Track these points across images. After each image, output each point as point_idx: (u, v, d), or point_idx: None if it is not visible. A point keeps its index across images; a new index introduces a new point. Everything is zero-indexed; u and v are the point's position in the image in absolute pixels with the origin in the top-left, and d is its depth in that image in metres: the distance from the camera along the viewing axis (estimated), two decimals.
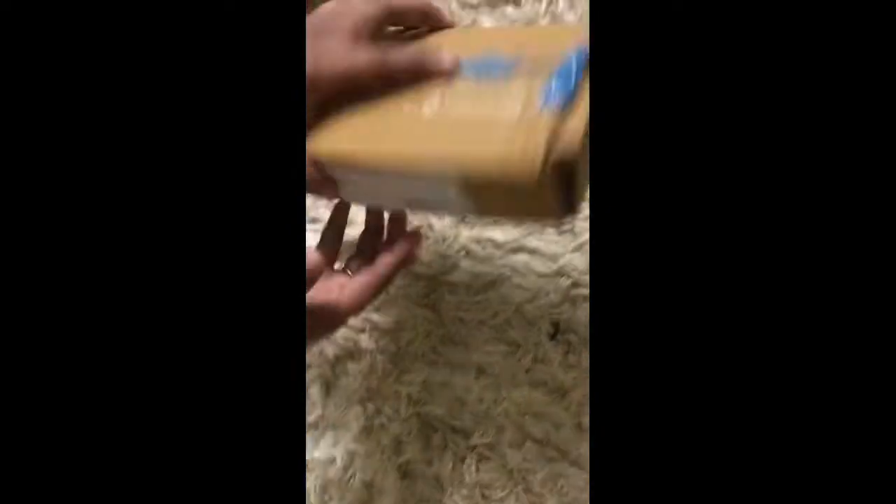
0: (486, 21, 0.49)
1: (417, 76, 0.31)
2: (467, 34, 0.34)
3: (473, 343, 0.52)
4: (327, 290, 0.38)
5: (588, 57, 0.26)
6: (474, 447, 0.52)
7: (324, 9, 0.34)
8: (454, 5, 0.51)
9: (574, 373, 0.49)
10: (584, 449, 0.48)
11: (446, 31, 0.34)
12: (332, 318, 0.38)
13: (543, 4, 0.47)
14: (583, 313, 0.48)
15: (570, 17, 0.47)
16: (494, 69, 0.29)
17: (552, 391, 0.50)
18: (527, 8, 0.48)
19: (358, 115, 0.31)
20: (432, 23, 0.36)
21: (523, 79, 0.27)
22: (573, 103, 0.25)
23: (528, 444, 0.50)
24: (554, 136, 0.25)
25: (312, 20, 0.33)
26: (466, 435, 0.53)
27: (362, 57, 0.31)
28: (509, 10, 0.49)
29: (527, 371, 0.51)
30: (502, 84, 0.28)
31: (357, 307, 0.38)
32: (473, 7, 0.51)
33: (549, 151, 0.24)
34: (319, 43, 0.31)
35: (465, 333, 0.53)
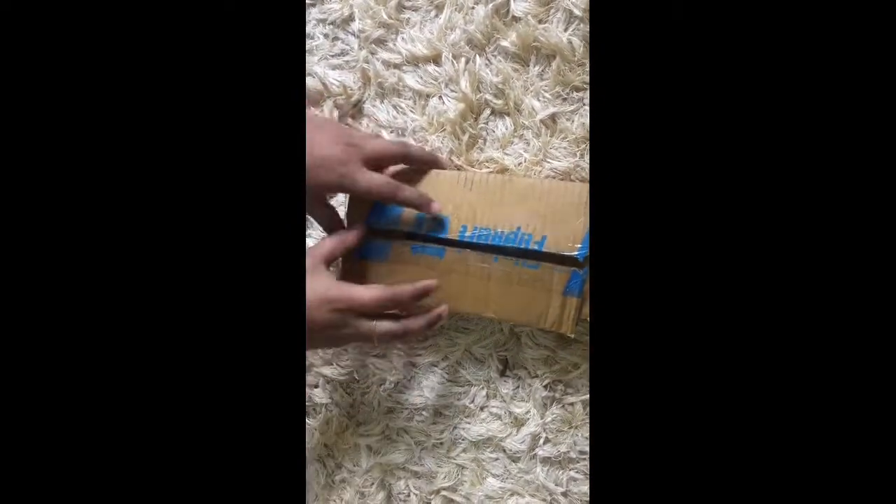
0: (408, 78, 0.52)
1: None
2: (496, 203, 0.46)
3: (428, 387, 0.53)
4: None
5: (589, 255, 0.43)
6: (438, 490, 0.53)
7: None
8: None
9: (526, 406, 0.51)
10: (541, 480, 0.50)
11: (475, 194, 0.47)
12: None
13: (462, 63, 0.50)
14: (528, 349, 0.50)
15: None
16: (527, 254, 0.45)
17: (507, 426, 0.51)
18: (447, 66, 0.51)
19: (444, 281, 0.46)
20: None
21: (549, 273, 0.44)
22: (583, 291, 0.44)
23: (490, 480, 0.52)
24: (577, 313, 0.44)
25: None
26: (429, 479, 0.53)
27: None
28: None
29: (481, 409, 0.52)
30: (536, 274, 0.45)
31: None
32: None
33: (575, 321, 0.44)
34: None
35: (419, 378, 0.54)
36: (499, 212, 0.46)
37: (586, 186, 0.45)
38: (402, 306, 0.44)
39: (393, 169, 0.47)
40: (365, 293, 0.41)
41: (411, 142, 0.50)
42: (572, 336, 0.44)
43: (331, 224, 0.48)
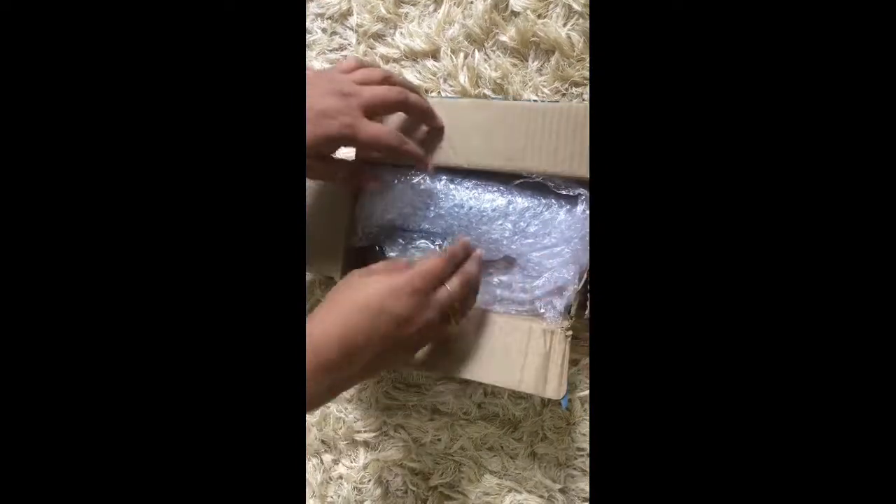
0: (408, 73, 0.52)
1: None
2: None
3: (425, 384, 0.53)
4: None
5: None
6: (435, 487, 0.53)
7: None
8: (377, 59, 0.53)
9: (524, 404, 0.50)
10: (539, 477, 0.50)
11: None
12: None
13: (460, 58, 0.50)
14: None
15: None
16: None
17: (504, 423, 0.51)
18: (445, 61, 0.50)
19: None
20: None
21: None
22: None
23: (487, 477, 0.52)
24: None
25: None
26: (426, 476, 0.53)
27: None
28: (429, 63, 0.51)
29: (478, 406, 0.52)
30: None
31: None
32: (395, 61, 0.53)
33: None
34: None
35: (416, 376, 0.54)
36: None
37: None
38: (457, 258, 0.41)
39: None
40: (426, 262, 0.38)
41: (407, 87, 0.45)
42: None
43: (352, 174, 0.45)
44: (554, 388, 0.42)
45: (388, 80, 0.42)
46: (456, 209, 0.45)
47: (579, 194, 0.43)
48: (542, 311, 0.44)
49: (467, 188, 0.46)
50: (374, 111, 0.41)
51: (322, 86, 0.39)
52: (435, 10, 0.51)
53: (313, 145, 0.38)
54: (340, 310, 0.36)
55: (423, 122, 0.45)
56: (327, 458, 0.56)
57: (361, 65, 0.43)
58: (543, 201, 0.45)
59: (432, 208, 0.46)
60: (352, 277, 0.39)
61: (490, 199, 0.45)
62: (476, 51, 0.49)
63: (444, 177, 0.46)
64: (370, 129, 0.39)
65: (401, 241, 0.47)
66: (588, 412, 0.49)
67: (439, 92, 0.51)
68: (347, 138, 0.39)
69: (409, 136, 0.45)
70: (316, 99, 0.38)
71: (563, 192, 0.43)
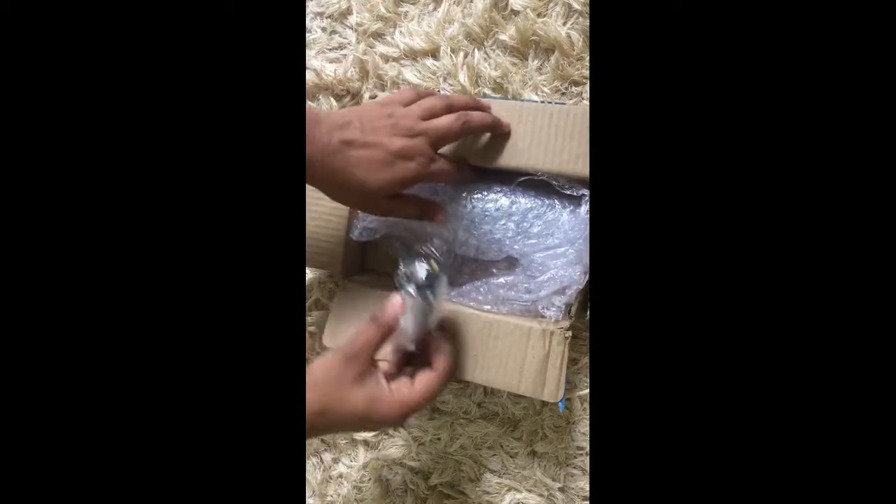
0: (408, 73, 0.52)
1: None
2: None
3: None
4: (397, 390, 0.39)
5: None
6: (434, 486, 0.53)
7: None
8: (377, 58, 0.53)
9: (523, 403, 0.50)
10: (538, 476, 0.50)
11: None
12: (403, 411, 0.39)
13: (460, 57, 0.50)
14: None
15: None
16: None
17: (504, 423, 0.51)
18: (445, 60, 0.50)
19: None
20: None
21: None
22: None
23: (487, 476, 0.52)
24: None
25: None
26: (426, 475, 0.53)
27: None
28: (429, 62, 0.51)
29: (478, 405, 0.52)
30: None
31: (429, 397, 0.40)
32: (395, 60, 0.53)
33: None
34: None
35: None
36: None
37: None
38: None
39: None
40: (420, 391, 0.39)
41: (469, 106, 0.44)
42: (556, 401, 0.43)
43: (421, 208, 0.43)
44: (552, 391, 0.42)
45: (449, 108, 0.42)
46: (458, 208, 0.45)
47: (583, 195, 0.43)
48: (543, 311, 0.44)
49: (470, 187, 0.46)
50: (443, 144, 0.41)
51: (386, 123, 0.39)
52: (435, 9, 0.51)
53: (391, 186, 0.39)
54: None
55: (490, 133, 0.44)
56: (327, 456, 0.56)
57: (419, 95, 0.43)
58: (547, 202, 0.44)
59: None
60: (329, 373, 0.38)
61: (493, 198, 0.45)
62: (476, 50, 0.49)
63: None
64: (440, 165, 0.41)
65: (399, 239, 0.47)
66: (588, 411, 0.49)
67: (439, 91, 0.51)
68: (423, 177, 0.40)
69: (473, 144, 0.45)
70: (386, 139, 0.38)
71: (567, 193, 0.43)
